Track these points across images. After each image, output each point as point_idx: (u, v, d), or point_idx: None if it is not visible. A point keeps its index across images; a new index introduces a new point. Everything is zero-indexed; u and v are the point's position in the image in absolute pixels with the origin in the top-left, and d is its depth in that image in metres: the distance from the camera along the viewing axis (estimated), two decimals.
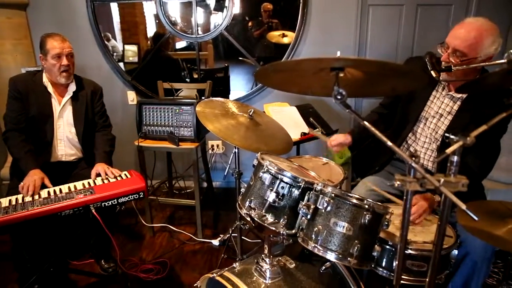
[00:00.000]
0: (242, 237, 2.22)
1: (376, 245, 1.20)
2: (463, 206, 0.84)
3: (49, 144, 2.07)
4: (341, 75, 0.95)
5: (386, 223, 1.19)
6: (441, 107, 1.61)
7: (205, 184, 3.10)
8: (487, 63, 1.34)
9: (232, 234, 2.35)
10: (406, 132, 1.71)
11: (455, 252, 1.34)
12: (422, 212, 1.44)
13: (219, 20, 3.02)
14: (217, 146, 3.32)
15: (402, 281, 1.25)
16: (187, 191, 3.31)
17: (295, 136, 2.24)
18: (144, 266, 2.25)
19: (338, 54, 0.99)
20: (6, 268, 2.21)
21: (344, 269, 1.37)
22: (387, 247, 1.30)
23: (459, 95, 1.55)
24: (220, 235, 2.55)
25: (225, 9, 2.96)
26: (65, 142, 2.12)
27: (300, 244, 1.55)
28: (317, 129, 2.43)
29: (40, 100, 2.04)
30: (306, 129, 2.38)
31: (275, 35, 3.19)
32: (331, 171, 1.96)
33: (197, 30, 3.00)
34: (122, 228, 2.71)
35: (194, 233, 2.62)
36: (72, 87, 2.09)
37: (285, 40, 3.11)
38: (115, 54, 3.23)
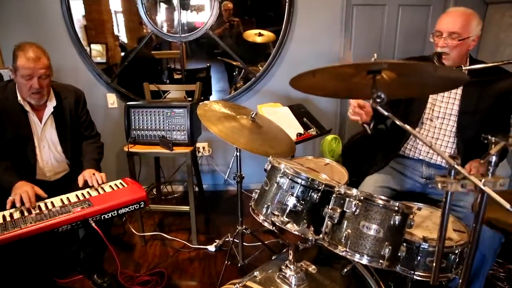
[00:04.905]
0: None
1: (402, 245, 1.21)
2: (508, 206, 0.85)
3: (33, 167, 1.89)
4: (378, 77, 0.95)
5: (411, 223, 1.20)
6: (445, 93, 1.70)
7: (195, 188, 3.01)
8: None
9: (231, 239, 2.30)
10: (418, 116, 1.76)
11: None
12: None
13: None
14: (203, 148, 3.23)
15: (422, 278, 1.27)
16: (175, 195, 3.20)
17: (291, 137, 2.22)
18: (140, 278, 2.14)
19: (375, 56, 0.98)
20: None
21: (365, 270, 1.38)
22: (404, 244, 1.32)
23: None
24: (216, 240, 2.48)
25: (209, 8, 2.88)
26: (52, 162, 1.95)
27: (315, 248, 1.54)
28: (312, 129, 2.44)
29: (16, 120, 1.80)
30: (301, 129, 2.37)
31: (251, 34, 3.14)
32: (333, 172, 1.96)
33: (181, 29, 2.89)
34: (110, 238, 2.55)
35: (188, 240, 2.53)
36: (52, 102, 1.88)
37: (259, 40, 3.09)
38: None
